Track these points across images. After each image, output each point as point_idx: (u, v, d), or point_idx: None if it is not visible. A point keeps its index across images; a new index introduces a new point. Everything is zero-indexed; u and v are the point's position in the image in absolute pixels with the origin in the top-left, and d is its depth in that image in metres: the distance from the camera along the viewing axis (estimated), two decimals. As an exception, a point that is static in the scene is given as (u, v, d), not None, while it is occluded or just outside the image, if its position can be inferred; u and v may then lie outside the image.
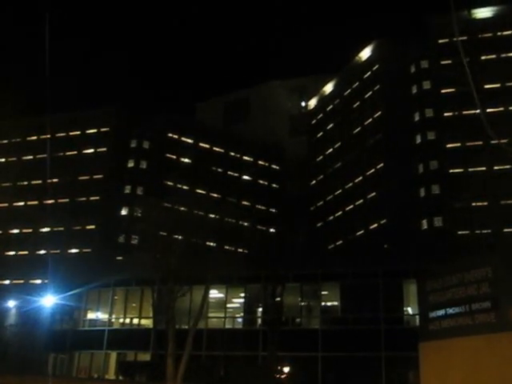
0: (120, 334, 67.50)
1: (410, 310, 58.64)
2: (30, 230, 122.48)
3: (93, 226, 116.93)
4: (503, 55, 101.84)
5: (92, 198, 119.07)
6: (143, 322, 68.16)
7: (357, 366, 54.54)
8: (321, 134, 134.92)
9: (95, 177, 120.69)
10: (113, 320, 70.62)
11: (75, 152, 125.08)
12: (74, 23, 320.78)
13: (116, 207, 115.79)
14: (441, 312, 26.35)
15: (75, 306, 69.95)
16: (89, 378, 65.71)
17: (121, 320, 70.53)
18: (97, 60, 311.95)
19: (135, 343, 65.13)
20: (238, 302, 67.43)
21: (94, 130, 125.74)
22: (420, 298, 29.80)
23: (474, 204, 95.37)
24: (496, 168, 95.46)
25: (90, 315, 73.67)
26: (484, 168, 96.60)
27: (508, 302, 23.11)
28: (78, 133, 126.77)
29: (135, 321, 69.11)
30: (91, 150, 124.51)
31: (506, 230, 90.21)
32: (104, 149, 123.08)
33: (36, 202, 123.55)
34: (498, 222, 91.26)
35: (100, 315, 72.87)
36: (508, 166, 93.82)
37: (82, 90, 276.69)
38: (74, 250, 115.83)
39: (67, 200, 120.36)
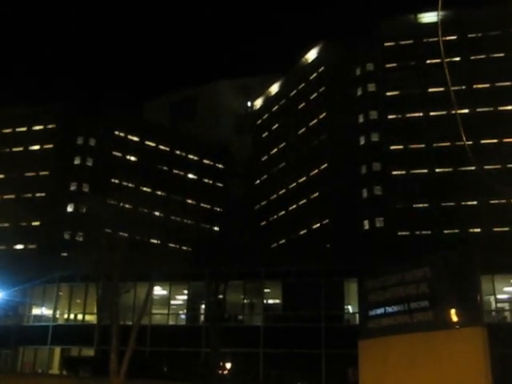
0: (64, 330, 67.27)
1: (350, 309, 59.52)
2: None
3: (38, 223, 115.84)
4: (447, 60, 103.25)
5: (38, 195, 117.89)
6: (87, 317, 68.17)
7: (297, 362, 55.10)
8: (266, 133, 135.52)
9: (41, 173, 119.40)
10: (57, 316, 70.45)
11: (21, 148, 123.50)
12: (21, 19, 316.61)
13: (62, 204, 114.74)
14: (380, 310, 27.10)
15: (20, 301, 69.52)
16: (33, 374, 65.42)
17: (65, 316, 70.44)
18: (44, 57, 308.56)
19: (79, 339, 64.91)
20: (181, 298, 68.04)
21: (41, 127, 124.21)
22: (360, 297, 30.60)
23: (415, 205, 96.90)
24: (438, 171, 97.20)
25: (35, 311, 73.31)
26: (426, 170, 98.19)
27: (445, 302, 24.00)
28: (25, 129, 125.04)
29: (79, 316, 69.16)
30: (37, 147, 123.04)
31: (446, 231, 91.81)
32: (50, 145, 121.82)
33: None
34: (439, 223, 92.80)
35: (45, 311, 72.49)
36: (449, 169, 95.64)
37: (28, 86, 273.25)
38: (19, 246, 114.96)
39: (13, 196, 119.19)
